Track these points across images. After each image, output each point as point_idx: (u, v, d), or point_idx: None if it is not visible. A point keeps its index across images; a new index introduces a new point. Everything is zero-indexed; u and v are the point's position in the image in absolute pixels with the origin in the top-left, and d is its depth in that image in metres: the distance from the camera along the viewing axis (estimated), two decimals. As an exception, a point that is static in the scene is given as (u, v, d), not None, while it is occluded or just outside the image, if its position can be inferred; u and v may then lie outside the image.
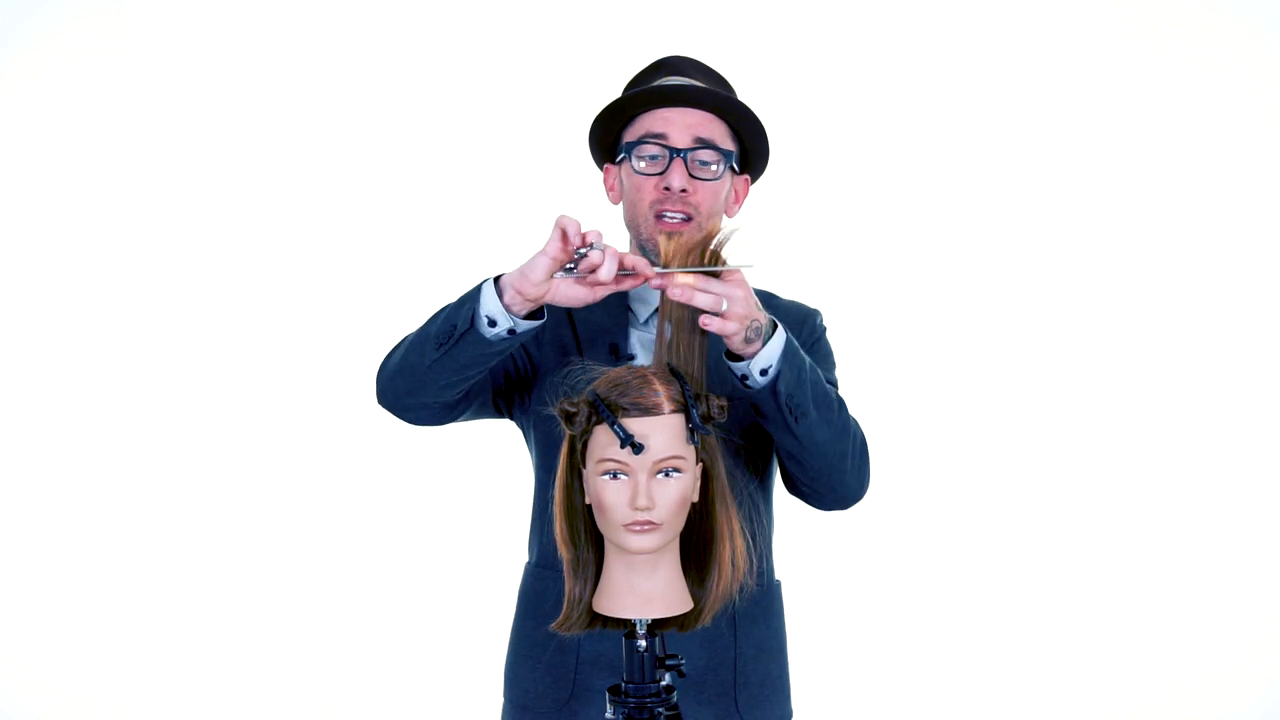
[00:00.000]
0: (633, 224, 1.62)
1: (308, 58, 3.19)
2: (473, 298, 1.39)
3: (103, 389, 3.18)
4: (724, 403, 1.31)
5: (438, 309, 1.46)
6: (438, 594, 3.16)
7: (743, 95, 1.65)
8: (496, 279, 1.38)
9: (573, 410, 1.28)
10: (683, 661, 1.34)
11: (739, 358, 1.40)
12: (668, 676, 1.33)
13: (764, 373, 1.39)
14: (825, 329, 1.72)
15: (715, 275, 1.34)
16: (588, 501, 1.31)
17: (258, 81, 3.19)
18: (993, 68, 3.23)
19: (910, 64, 3.23)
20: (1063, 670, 3.17)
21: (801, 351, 1.44)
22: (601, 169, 1.71)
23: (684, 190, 1.55)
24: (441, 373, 1.43)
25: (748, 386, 1.42)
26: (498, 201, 3.14)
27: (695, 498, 1.32)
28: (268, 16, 3.19)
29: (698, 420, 1.28)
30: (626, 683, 1.32)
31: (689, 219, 1.56)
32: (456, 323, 1.38)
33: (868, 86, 3.23)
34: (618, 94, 1.65)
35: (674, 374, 1.31)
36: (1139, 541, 3.22)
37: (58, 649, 3.12)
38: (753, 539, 1.46)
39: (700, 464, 1.32)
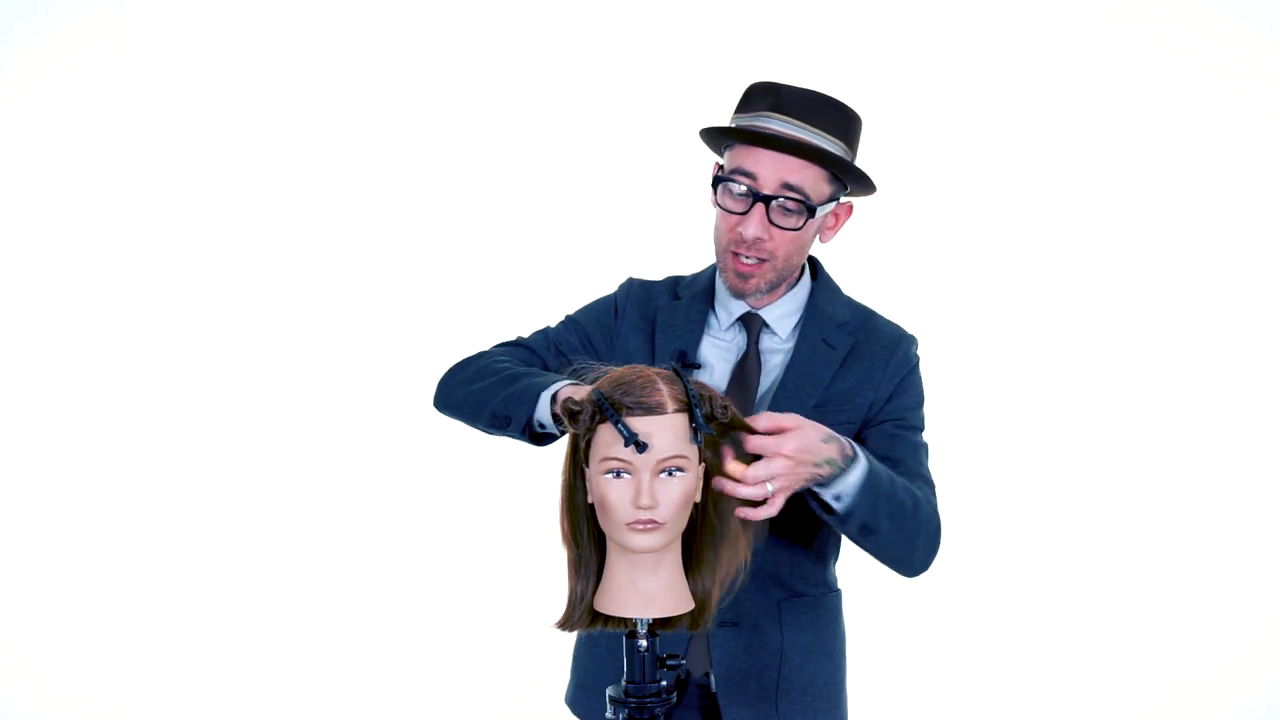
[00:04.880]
0: (717, 249, 1.64)
1: (307, 57, 3.20)
2: (529, 405, 1.49)
3: (103, 389, 3.18)
4: (726, 402, 1.31)
5: (504, 365, 1.57)
6: (441, 597, 3.16)
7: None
8: (554, 395, 1.47)
9: (576, 409, 1.28)
10: (683, 662, 1.33)
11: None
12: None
13: (838, 498, 1.41)
14: (918, 360, 1.69)
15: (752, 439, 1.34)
16: (590, 500, 1.30)
17: (257, 81, 3.20)
18: (991, 68, 3.24)
19: (906, 63, 3.23)
20: (1063, 670, 3.17)
21: (883, 472, 1.44)
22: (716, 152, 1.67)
23: (759, 238, 1.56)
24: (489, 432, 1.59)
25: (818, 503, 1.43)
26: (497, 203, 3.14)
27: (698, 497, 1.31)
28: (267, 16, 3.19)
29: (701, 420, 1.27)
30: (627, 683, 1.31)
31: (763, 261, 1.57)
32: (511, 416, 1.51)
33: (863, 86, 3.23)
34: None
35: (677, 374, 1.31)
36: (1139, 542, 3.22)
37: (58, 649, 3.12)
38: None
39: (703, 464, 1.31)
